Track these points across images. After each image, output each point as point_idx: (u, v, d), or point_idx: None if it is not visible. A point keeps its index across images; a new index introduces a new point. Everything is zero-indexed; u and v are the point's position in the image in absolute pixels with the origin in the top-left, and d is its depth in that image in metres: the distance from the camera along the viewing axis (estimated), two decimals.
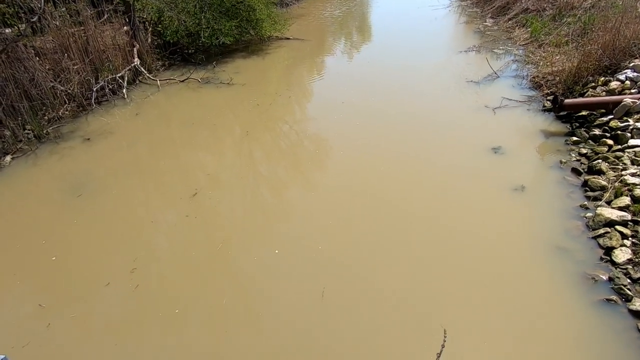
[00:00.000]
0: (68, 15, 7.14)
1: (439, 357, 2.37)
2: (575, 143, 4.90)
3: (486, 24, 10.69)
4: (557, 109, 5.40)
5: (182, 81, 7.75)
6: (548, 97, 6.01)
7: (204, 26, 8.42)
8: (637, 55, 5.67)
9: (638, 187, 3.71)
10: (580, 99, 5.31)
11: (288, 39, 10.29)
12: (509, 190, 4.23)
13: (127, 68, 7.40)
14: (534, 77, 6.73)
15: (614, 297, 2.95)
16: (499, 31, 9.79)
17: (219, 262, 3.62)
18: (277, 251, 3.67)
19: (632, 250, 3.23)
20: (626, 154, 4.28)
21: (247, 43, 9.91)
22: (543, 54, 7.29)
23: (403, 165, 4.81)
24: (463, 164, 4.73)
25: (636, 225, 3.41)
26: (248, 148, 5.49)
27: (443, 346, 2.56)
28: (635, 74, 5.29)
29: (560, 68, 6.30)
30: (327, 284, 3.29)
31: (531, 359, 2.66)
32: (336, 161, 5.05)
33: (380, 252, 3.59)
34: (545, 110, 5.80)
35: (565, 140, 5.02)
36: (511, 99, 6.20)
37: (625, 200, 3.67)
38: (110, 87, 7.08)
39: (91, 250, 3.84)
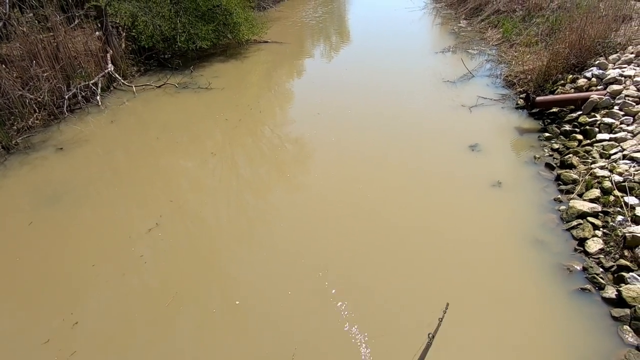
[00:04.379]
0: (36, 21, 6.89)
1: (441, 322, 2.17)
2: (548, 139, 5.08)
3: (460, 25, 10.96)
4: (530, 106, 5.59)
5: (159, 87, 7.59)
6: (521, 95, 6.22)
7: (179, 30, 8.29)
8: (602, 54, 5.94)
9: (606, 179, 3.88)
10: (550, 97, 5.51)
11: (266, 42, 10.26)
12: (487, 186, 4.34)
13: (101, 74, 7.20)
14: (507, 76, 6.94)
15: (589, 286, 3.06)
16: (473, 32, 10.06)
17: (167, 324, 3.07)
18: (237, 302, 3.18)
19: (603, 240, 3.36)
20: (595, 148, 4.47)
21: (225, 47, 9.81)
22: (515, 54, 7.54)
23: (383, 166, 4.86)
24: (442, 163, 4.83)
25: (606, 216, 3.56)
26: (230, 154, 5.43)
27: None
28: (600, 71, 5.54)
29: (531, 67, 6.52)
30: (299, 344, 2.82)
31: (513, 347, 2.73)
32: (317, 165, 5.05)
33: (360, 274, 3.42)
34: (519, 107, 5.99)
35: (539, 136, 5.20)
36: (486, 98, 6.37)
37: (596, 192, 3.83)
38: (83, 94, 6.87)
39: (31, 294, 3.37)
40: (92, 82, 6.97)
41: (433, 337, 1.37)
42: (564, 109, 5.37)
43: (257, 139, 5.84)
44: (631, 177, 3.74)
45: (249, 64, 8.95)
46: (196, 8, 8.56)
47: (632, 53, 5.59)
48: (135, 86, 7.50)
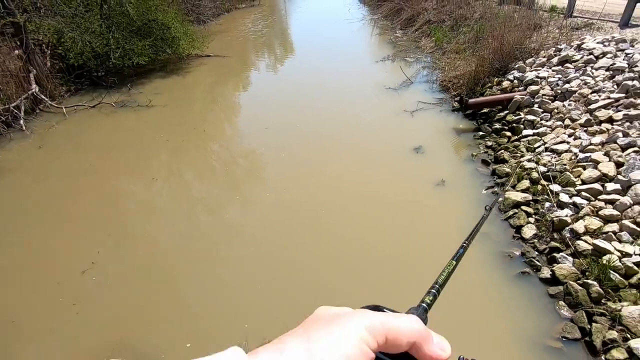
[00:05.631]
0: None
1: None
2: (482, 137, 5.51)
3: (397, 35, 11.59)
4: (464, 108, 6.03)
5: (93, 107, 7.09)
6: (455, 98, 6.69)
7: (113, 47, 7.84)
8: (520, 58, 6.61)
9: (534, 170, 4.29)
10: (481, 98, 6.00)
11: (209, 56, 10.06)
12: (431, 185, 4.59)
13: (24, 96, 6.56)
14: (442, 81, 7.44)
15: (527, 270, 3.34)
16: (408, 41, 10.68)
17: None
18: (188, 345, 2.93)
19: (535, 226, 3.70)
20: (522, 143, 4.92)
21: (164, 62, 9.45)
22: (447, 60, 8.12)
23: (334, 174, 4.95)
24: (390, 166, 5.03)
25: (537, 204, 3.92)
26: (172, 177, 5.19)
27: None
28: (520, 73, 6.15)
29: (462, 72, 7.07)
30: None
31: (462, 332, 2.88)
32: (268, 180, 5.01)
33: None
34: (455, 110, 6.44)
35: (474, 135, 5.62)
36: (425, 102, 6.77)
37: (526, 183, 4.21)
38: (4, 119, 6.21)
39: None
40: (13, 105, 6.33)
41: (490, 209, 1.30)
42: (494, 109, 5.87)
43: (204, 156, 5.66)
44: (553, 167, 4.17)
45: (191, 78, 8.69)
46: (130, 23, 8.18)
47: (544, 57, 6.29)
48: (65, 107, 6.94)
